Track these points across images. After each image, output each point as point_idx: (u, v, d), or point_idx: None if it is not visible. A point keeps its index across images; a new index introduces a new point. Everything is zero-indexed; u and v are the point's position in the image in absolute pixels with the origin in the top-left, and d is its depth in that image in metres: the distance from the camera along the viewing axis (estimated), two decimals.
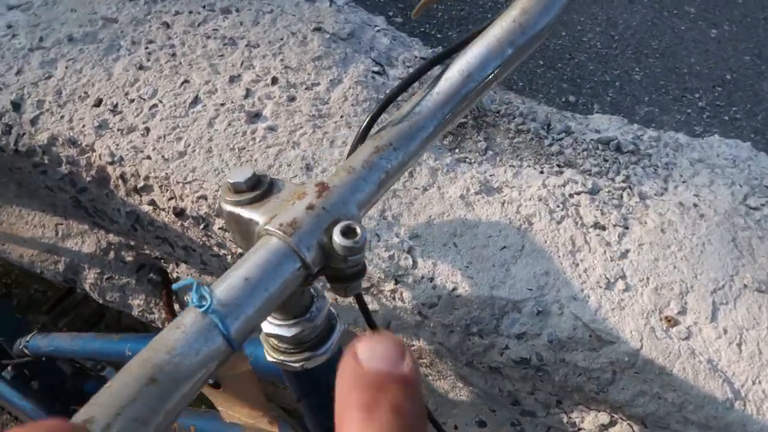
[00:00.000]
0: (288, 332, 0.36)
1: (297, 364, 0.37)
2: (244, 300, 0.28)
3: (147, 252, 0.96)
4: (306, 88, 0.92)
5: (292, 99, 0.90)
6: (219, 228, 0.81)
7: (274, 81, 0.91)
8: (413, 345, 0.81)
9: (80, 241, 0.99)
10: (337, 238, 0.30)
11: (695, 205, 0.87)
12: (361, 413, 0.18)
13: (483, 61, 0.38)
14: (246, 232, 0.34)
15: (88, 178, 0.85)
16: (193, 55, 0.93)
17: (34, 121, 0.84)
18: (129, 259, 0.99)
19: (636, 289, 0.76)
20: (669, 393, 0.71)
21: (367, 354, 0.20)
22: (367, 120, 0.39)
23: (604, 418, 0.78)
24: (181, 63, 0.92)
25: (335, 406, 0.20)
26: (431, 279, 0.75)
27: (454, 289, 0.74)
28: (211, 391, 0.42)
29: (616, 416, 0.78)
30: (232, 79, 0.91)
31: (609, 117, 1.10)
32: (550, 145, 0.97)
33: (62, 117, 0.84)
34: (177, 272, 0.98)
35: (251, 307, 0.28)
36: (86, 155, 0.83)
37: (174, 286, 0.28)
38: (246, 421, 0.44)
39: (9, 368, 0.81)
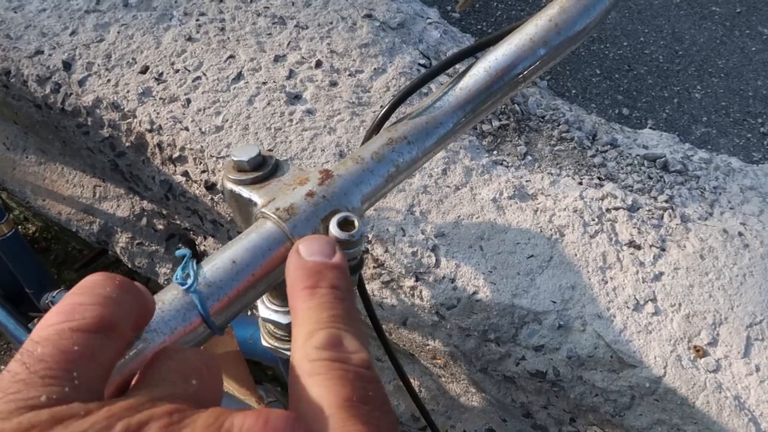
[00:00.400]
0: (284, 319, 0.35)
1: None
2: (228, 282, 0.27)
3: (177, 222, 0.98)
4: (349, 75, 0.91)
5: (333, 84, 0.89)
6: None
7: (318, 64, 0.91)
8: (428, 345, 0.80)
9: (115, 205, 1.01)
10: (333, 229, 0.29)
11: (740, 234, 0.82)
12: (306, 291, 0.25)
13: (513, 60, 0.36)
14: (245, 212, 0.33)
15: (127, 144, 0.86)
16: (242, 31, 0.93)
17: (81, 82, 0.85)
18: (160, 227, 1.00)
19: (666, 313, 0.73)
20: (689, 425, 0.68)
21: (307, 250, 0.26)
22: (384, 110, 0.38)
23: None
24: (229, 38, 0.92)
25: (287, 290, 0.26)
26: (452, 280, 0.73)
27: (475, 292, 0.73)
28: None
29: None
30: (277, 59, 0.91)
31: (660, 134, 1.05)
32: (593, 156, 0.93)
33: (108, 81, 0.85)
34: (204, 245, 0.99)
35: (235, 290, 0.27)
36: (127, 120, 0.84)
37: (176, 253, 0.28)
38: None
39: (35, 321, 0.83)
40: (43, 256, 1.38)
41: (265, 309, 0.36)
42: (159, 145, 0.83)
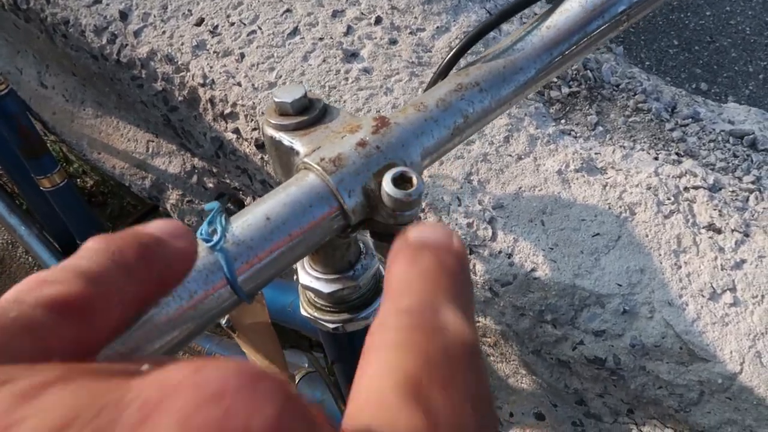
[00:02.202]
0: (326, 288, 0.31)
1: (332, 325, 0.33)
2: (260, 242, 0.23)
3: (227, 181, 0.96)
4: (410, 33, 0.86)
5: (393, 42, 0.85)
6: None
7: (378, 21, 0.86)
8: (478, 322, 0.76)
9: (167, 161, 1.00)
10: (387, 186, 0.25)
11: None
12: (408, 257, 0.19)
13: None
14: (286, 163, 0.30)
15: (180, 98, 0.84)
16: None
17: (137, 33, 0.84)
18: (210, 185, 0.99)
19: (746, 305, 0.66)
20: (765, 428, 0.62)
21: (417, 234, 0.20)
22: (454, 50, 0.33)
23: None
24: None
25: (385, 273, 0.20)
26: (509, 255, 0.69)
27: (533, 270, 0.68)
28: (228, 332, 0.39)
29: None
30: (335, 14, 0.86)
31: (748, 108, 0.96)
32: (672, 129, 0.86)
33: (164, 32, 0.83)
34: (249, 198, 0.98)
35: (267, 251, 0.23)
36: (180, 74, 0.82)
37: (206, 206, 0.25)
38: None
39: None
40: (99, 210, 1.40)
41: (306, 275, 0.32)
42: (211, 100, 0.81)
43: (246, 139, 0.81)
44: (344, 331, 0.33)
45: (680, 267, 0.69)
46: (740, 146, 0.85)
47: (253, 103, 0.78)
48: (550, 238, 0.70)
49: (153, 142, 1.00)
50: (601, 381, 0.72)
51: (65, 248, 0.89)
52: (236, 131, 0.81)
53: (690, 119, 0.89)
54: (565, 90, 0.87)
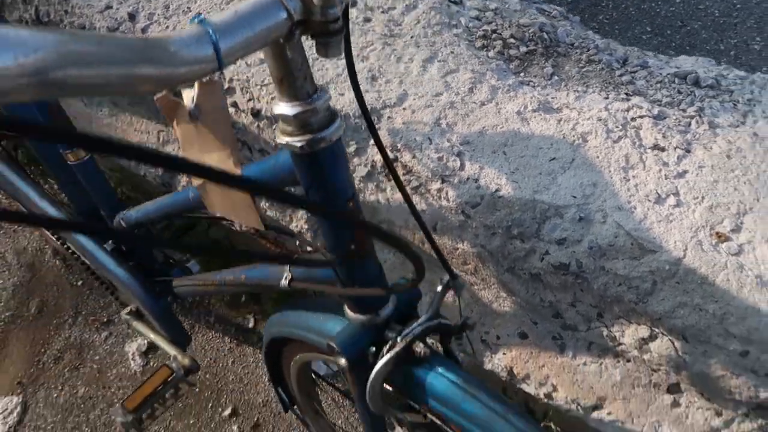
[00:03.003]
0: (291, 111, 0.42)
1: (299, 144, 0.43)
2: (234, 28, 0.34)
3: None
4: (382, 12, 0.98)
5: (367, 20, 0.96)
6: None
7: (353, 4, 0.98)
8: (458, 248, 0.85)
9: (177, 148, 1.11)
10: None
11: None
12: None
13: None
14: None
15: None
16: None
17: (144, 30, 0.96)
18: None
19: (688, 205, 0.74)
20: (710, 304, 0.69)
21: None
22: None
23: (644, 331, 0.77)
24: None
25: None
26: (476, 180, 0.78)
27: (497, 190, 0.77)
28: (186, 127, 0.48)
29: (656, 330, 0.77)
30: None
31: (696, 58, 1.05)
32: (622, 75, 0.95)
33: (167, 27, 0.96)
34: None
35: (240, 34, 0.34)
36: None
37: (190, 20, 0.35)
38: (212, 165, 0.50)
39: (110, 242, 0.94)
40: None
41: (278, 106, 0.42)
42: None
43: (243, 111, 0.92)
44: (309, 150, 0.43)
45: (629, 180, 0.77)
46: (684, 84, 0.95)
47: (247, 77, 0.89)
48: (511, 165, 0.79)
49: (163, 131, 1.12)
50: (570, 288, 0.80)
51: (88, 219, 1.01)
52: (234, 105, 0.92)
53: (639, 67, 0.98)
54: (523, 48, 0.97)
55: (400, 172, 0.83)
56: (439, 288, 0.57)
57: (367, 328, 0.53)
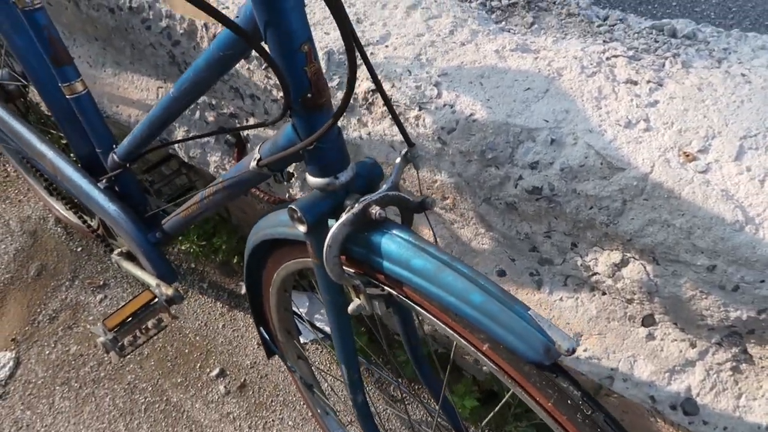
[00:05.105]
0: None
1: None
2: None
3: (224, 111, 1.11)
4: None
5: None
6: None
7: None
8: (436, 180, 0.87)
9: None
10: None
11: (743, 75, 0.84)
12: None
13: None
14: None
15: (181, 31, 1.00)
16: None
17: None
18: (210, 119, 1.14)
19: (657, 130, 0.76)
20: (677, 219, 0.71)
21: None
22: None
23: (616, 257, 0.78)
24: None
25: None
26: (452, 106, 0.81)
27: (472, 114, 0.79)
28: None
29: (628, 254, 0.78)
30: None
31: (678, 20, 1.08)
32: (600, 26, 0.98)
33: None
34: (248, 131, 1.11)
35: None
36: None
37: None
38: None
39: (104, 180, 0.97)
40: None
41: None
42: (205, 26, 0.97)
43: None
44: None
45: (600, 108, 0.80)
46: (662, 35, 0.97)
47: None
48: (487, 94, 0.82)
49: (162, 87, 1.16)
50: (544, 217, 0.81)
51: (85, 161, 1.04)
52: None
53: (618, 21, 1.01)
54: (505, 1, 1.01)
55: (379, 104, 0.86)
56: (398, 160, 0.59)
57: (327, 194, 0.55)
